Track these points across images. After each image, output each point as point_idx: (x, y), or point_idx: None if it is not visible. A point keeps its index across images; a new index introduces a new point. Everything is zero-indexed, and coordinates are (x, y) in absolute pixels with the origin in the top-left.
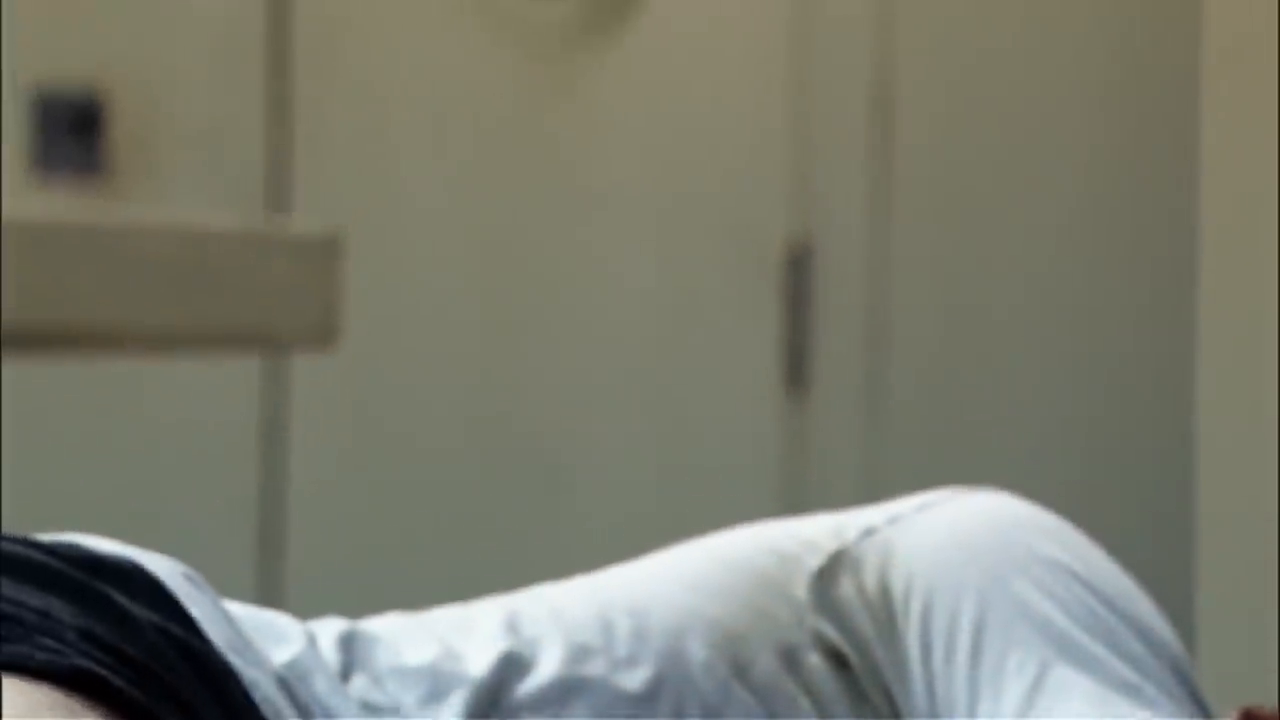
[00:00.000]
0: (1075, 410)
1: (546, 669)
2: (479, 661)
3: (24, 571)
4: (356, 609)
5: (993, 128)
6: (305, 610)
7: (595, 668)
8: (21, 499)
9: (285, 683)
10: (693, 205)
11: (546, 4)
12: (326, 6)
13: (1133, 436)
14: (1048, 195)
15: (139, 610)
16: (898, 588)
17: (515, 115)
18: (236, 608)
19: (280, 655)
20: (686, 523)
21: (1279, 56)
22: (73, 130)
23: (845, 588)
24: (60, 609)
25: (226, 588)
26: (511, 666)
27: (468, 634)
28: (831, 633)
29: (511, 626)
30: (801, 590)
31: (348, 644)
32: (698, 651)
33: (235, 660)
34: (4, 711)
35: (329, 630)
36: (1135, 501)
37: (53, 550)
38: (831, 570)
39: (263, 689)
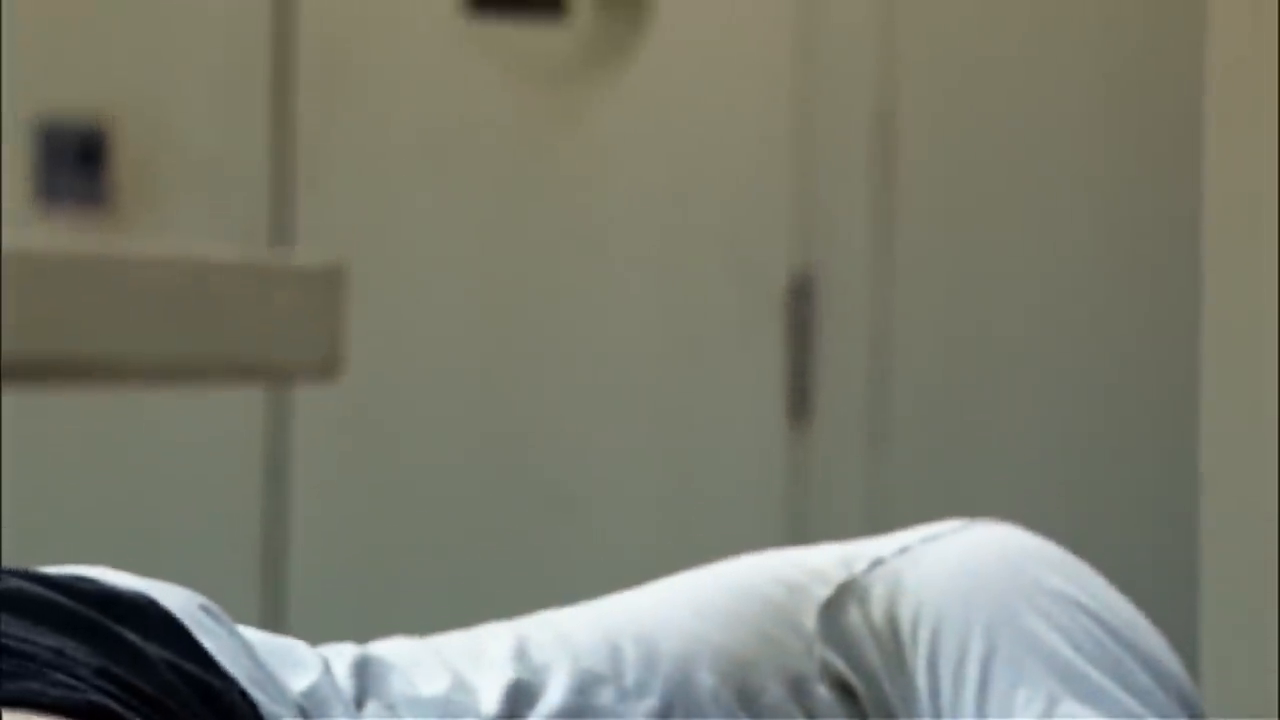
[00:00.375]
0: (1077, 442)
1: (554, 698)
2: (489, 695)
3: (37, 611)
4: (359, 633)
5: (995, 160)
6: (308, 634)
7: (604, 696)
8: (25, 524)
9: (304, 712)
10: (696, 235)
11: (549, 35)
12: (330, 38)
13: (1134, 470)
14: (1050, 228)
15: (153, 648)
16: (906, 619)
17: (518, 146)
18: (252, 634)
19: (298, 683)
20: (690, 551)
21: None
22: (77, 161)
23: (853, 618)
24: (74, 648)
25: (230, 612)
26: (520, 696)
27: (477, 662)
28: (839, 663)
29: (520, 654)
30: (810, 620)
31: (361, 671)
32: (706, 679)
33: (258, 695)
34: None
35: (343, 656)
36: (1137, 533)
37: (66, 588)
38: (840, 601)
39: None
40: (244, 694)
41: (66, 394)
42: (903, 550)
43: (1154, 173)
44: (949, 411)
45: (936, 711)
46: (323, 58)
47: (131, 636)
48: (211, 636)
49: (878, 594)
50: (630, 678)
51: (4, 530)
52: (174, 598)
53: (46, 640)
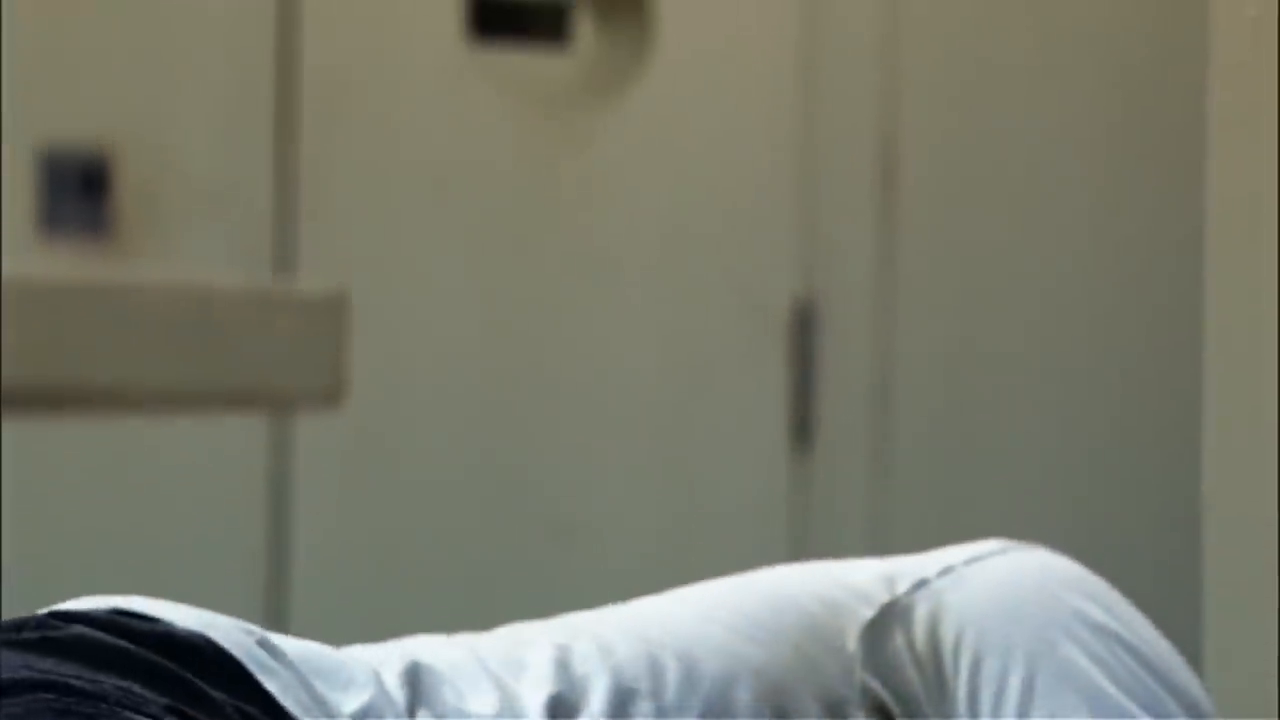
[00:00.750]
0: (1079, 465)
1: (595, 710)
2: (533, 708)
3: (100, 656)
4: None
5: (997, 186)
6: None
7: (642, 712)
8: (29, 552)
9: None
10: (699, 260)
11: (552, 61)
12: (333, 65)
13: (1137, 493)
14: (1052, 253)
15: (216, 691)
16: (948, 643)
17: (521, 172)
18: (304, 647)
19: (351, 703)
20: (694, 575)
21: None
22: (80, 189)
23: (896, 641)
24: (141, 690)
25: None
26: (560, 709)
27: (519, 673)
28: (880, 689)
29: (561, 664)
30: (852, 642)
31: (413, 680)
32: (744, 700)
33: None
34: None
35: (393, 664)
36: (1141, 554)
37: (125, 631)
38: (883, 623)
39: None
40: None
41: (71, 421)
42: (946, 571)
43: (1156, 198)
44: (951, 435)
45: None
46: (326, 85)
47: (195, 679)
48: (270, 674)
49: (920, 615)
50: (670, 695)
51: (9, 553)
52: (228, 632)
53: (114, 681)
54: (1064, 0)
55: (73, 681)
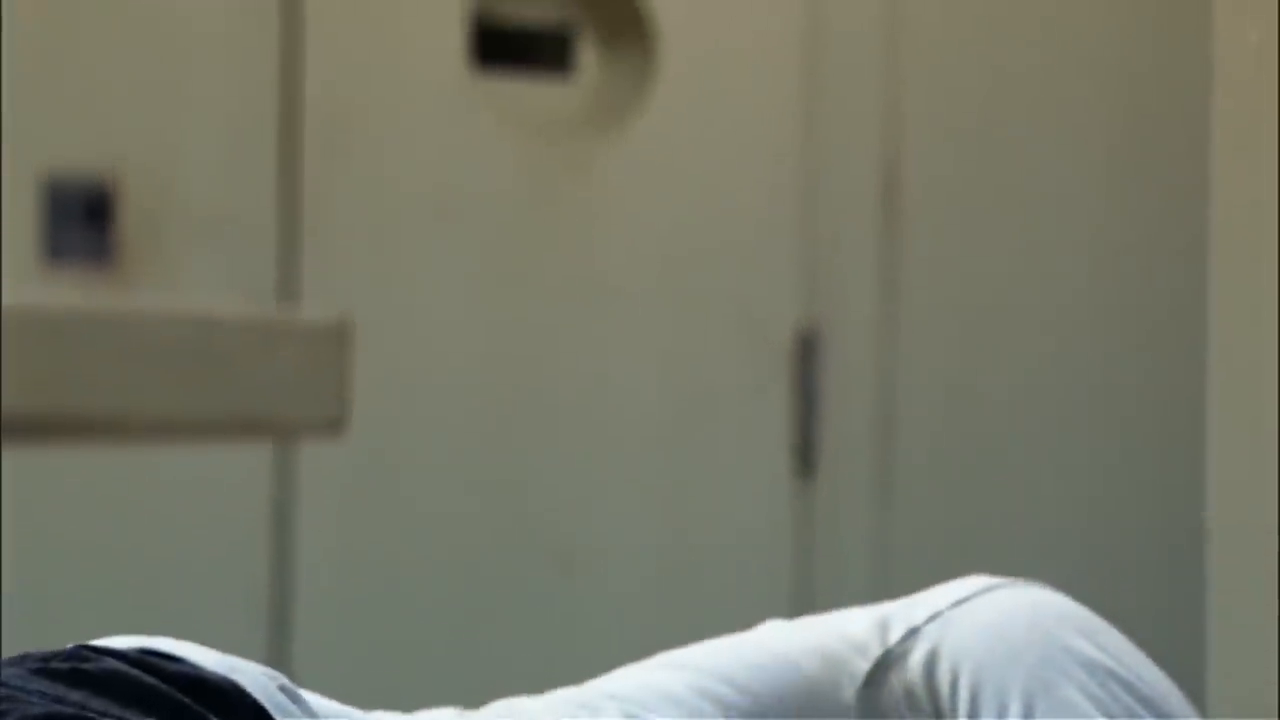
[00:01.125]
0: (1082, 494)
1: None
2: None
3: (129, 692)
4: (365, 684)
5: (1000, 217)
6: (315, 685)
7: None
8: (32, 580)
9: None
10: (702, 290)
11: (555, 91)
12: (336, 94)
13: (1139, 523)
14: (1055, 283)
15: None
16: (944, 689)
17: (524, 202)
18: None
19: None
20: (697, 604)
21: None
22: (83, 218)
23: (893, 691)
24: None
25: None
26: None
27: None
28: None
29: None
30: (849, 696)
31: None
32: None
33: None
34: None
35: None
36: (1143, 585)
37: (153, 669)
38: (878, 677)
39: None
40: None
41: (74, 450)
42: (934, 617)
43: (1161, 227)
44: (954, 462)
45: None
46: (329, 113)
47: None
48: None
49: (914, 662)
50: None
51: (11, 581)
52: (253, 677)
53: (141, 718)
54: (1066, 33)
55: (102, 717)
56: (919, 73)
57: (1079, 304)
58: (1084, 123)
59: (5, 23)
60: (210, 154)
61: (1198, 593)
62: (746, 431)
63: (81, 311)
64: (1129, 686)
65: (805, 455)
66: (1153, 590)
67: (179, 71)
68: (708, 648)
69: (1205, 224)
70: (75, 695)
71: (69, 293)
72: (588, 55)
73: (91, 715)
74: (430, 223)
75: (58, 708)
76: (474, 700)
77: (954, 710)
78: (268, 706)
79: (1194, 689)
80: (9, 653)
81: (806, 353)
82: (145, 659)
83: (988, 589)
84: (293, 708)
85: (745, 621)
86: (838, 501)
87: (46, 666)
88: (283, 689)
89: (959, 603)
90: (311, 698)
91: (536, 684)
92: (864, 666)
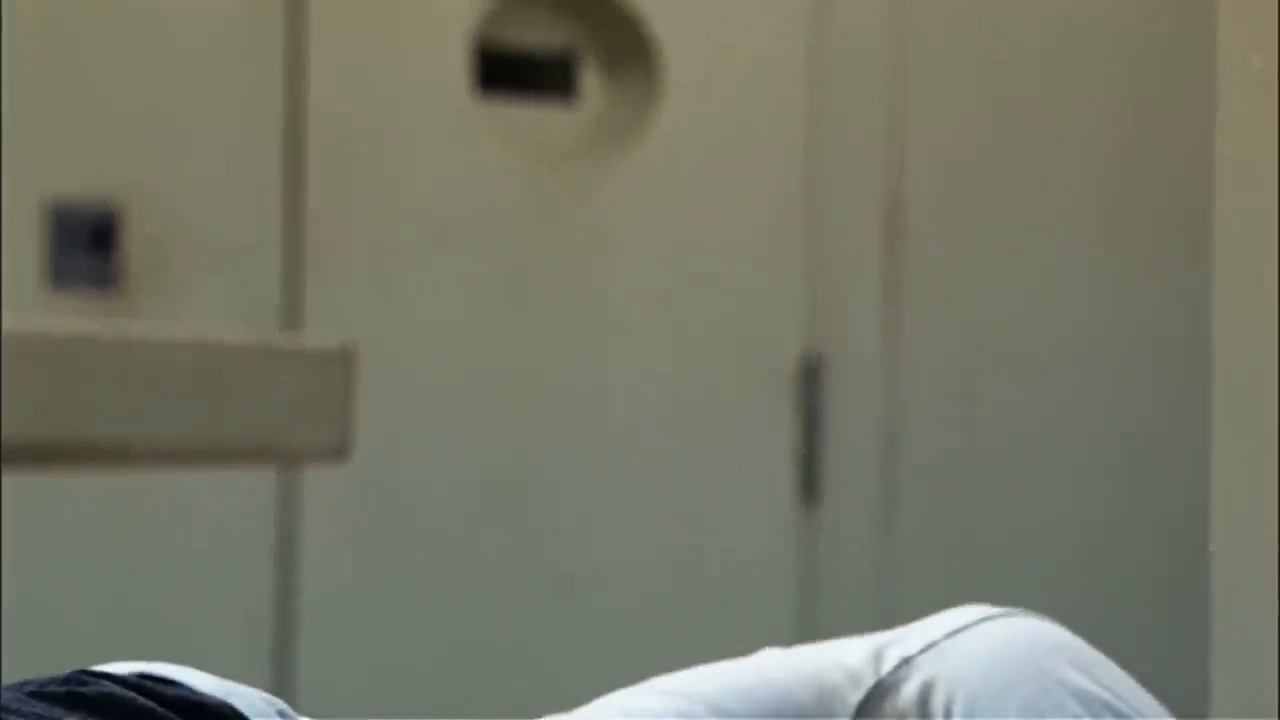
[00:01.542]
0: (1086, 524)
1: None
2: None
3: (125, 715)
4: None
5: (1003, 243)
6: (318, 713)
7: None
8: (34, 606)
9: None
10: (706, 318)
11: (558, 117)
12: (340, 120)
13: (1143, 553)
14: (1058, 310)
15: None
16: (938, 713)
17: (527, 227)
18: None
19: None
20: (701, 631)
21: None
22: (88, 244)
23: None
24: None
25: None
26: None
27: None
28: None
29: None
30: None
31: None
32: None
33: None
34: None
35: None
36: (1147, 616)
37: (150, 694)
38: (872, 706)
39: None
40: None
41: (78, 475)
42: (929, 646)
43: (1165, 255)
44: (958, 493)
45: None
46: (333, 139)
47: None
48: None
49: (907, 693)
50: None
51: (13, 606)
52: (251, 702)
53: None
54: (1069, 59)
55: None
56: (922, 99)
57: (1081, 330)
58: (1086, 150)
59: (9, 48)
60: (214, 180)
61: (1201, 618)
62: (750, 457)
63: (86, 337)
64: (1124, 719)
65: (809, 480)
66: (1155, 618)
67: (183, 97)
68: (699, 674)
69: (1207, 252)
70: (72, 718)
71: (73, 318)
72: (591, 80)
73: None
74: (434, 247)
75: None
76: None
77: None
78: None
79: (1198, 706)
80: (11, 676)
81: (810, 378)
82: (142, 683)
83: (984, 619)
84: None
85: (748, 646)
86: (841, 527)
87: (42, 690)
88: (281, 714)
89: (954, 633)
90: None
91: (538, 707)
92: (857, 696)
